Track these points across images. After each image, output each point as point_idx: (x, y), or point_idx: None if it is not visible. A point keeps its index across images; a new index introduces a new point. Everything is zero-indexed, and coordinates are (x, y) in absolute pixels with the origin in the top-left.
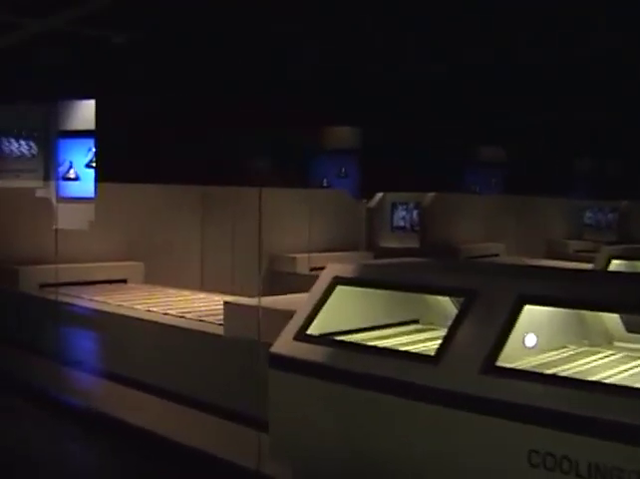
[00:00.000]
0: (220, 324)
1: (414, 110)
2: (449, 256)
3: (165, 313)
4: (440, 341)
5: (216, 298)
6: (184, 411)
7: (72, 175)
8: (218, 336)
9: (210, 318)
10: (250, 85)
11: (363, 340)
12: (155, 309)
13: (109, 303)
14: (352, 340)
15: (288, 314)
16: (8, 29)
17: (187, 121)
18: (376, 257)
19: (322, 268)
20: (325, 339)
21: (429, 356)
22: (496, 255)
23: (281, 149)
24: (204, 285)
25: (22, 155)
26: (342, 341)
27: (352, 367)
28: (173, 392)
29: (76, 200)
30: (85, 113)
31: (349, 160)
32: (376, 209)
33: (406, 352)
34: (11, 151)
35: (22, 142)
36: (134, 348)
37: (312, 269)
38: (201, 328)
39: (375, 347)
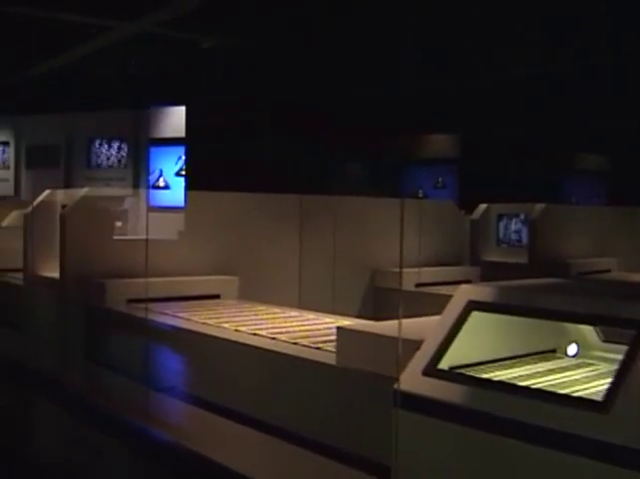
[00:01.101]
0: (317, 348)
1: (513, 117)
2: (558, 272)
3: (254, 333)
4: (600, 381)
5: (311, 316)
6: (286, 448)
7: (162, 183)
8: (328, 366)
9: (305, 341)
10: (344, 91)
11: (502, 376)
12: (243, 329)
13: (193, 321)
14: (488, 375)
15: (413, 344)
16: (95, 33)
17: (281, 127)
18: (482, 273)
19: (427, 284)
20: (462, 376)
21: (593, 401)
22: (608, 271)
23: (376, 157)
24: (302, 302)
25: (112, 163)
26: (483, 379)
27: (494, 411)
28: (274, 426)
29: (166, 209)
30: (174, 120)
31: (446, 170)
32: (480, 220)
33: (564, 396)
34: (101, 159)
35: (112, 150)
36: (220, 372)
37: (417, 285)
38: (307, 355)
39: (524, 388)
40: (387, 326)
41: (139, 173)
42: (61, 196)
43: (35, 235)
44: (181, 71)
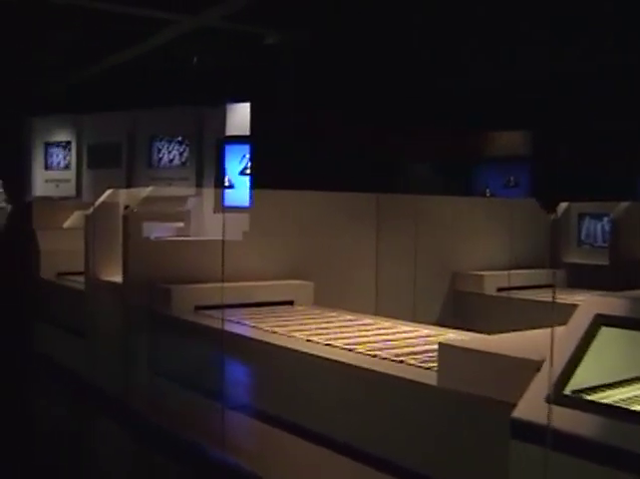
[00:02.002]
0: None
1: (592, 111)
2: None
3: (328, 344)
4: None
5: (386, 324)
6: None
7: (226, 182)
8: (427, 386)
9: (384, 353)
10: (414, 88)
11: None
12: (315, 339)
13: (261, 329)
14: (624, 402)
15: (531, 364)
16: (157, 27)
17: (350, 124)
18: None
19: (511, 289)
20: (597, 405)
21: None
22: None
23: (442, 154)
24: (379, 307)
25: (174, 162)
26: (624, 409)
27: (633, 447)
28: (360, 451)
29: (228, 209)
30: (238, 118)
31: (518, 168)
32: (560, 220)
33: None
34: (163, 158)
35: (174, 149)
36: (293, 386)
37: (499, 290)
38: (396, 372)
39: None
40: (495, 342)
41: (201, 172)
42: (123, 196)
43: (96, 236)
44: (246, 67)
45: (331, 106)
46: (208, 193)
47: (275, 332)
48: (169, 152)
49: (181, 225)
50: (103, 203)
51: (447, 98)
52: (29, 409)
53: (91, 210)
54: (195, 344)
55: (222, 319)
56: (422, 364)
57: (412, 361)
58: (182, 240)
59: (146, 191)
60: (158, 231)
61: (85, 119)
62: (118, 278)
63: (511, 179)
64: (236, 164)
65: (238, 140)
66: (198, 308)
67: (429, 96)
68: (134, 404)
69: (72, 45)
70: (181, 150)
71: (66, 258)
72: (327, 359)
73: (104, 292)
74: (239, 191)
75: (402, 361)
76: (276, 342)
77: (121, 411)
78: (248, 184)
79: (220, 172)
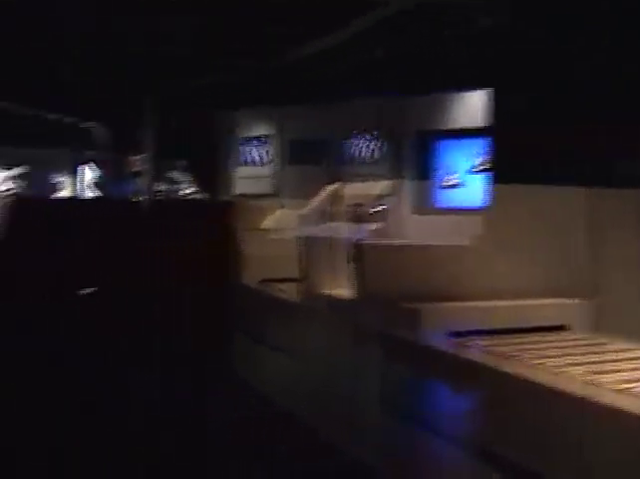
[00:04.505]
0: None
1: None
2: None
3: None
4: None
5: None
6: None
7: (451, 181)
8: None
9: None
10: None
11: None
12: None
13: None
14: None
15: None
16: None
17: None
18: None
19: None
20: None
21: None
22: None
23: None
24: None
25: (369, 158)
26: None
27: None
28: None
29: (450, 210)
30: (462, 109)
31: None
32: None
33: None
34: (362, 153)
35: (370, 144)
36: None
37: None
38: None
39: None
40: None
41: (400, 168)
42: (351, 191)
43: (310, 240)
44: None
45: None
46: (407, 190)
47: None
48: (365, 147)
49: (379, 225)
50: (323, 200)
51: None
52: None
53: (307, 209)
54: (459, 387)
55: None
56: None
57: None
58: (428, 247)
59: (377, 186)
60: (357, 232)
61: (286, 111)
62: (342, 292)
63: None
64: (463, 160)
65: (464, 133)
66: (453, 334)
67: None
68: (361, 454)
69: (271, 29)
70: (377, 145)
71: (270, 263)
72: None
73: (322, 308)
74: (467, 190)
75: None
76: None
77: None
78: (481, 181)
79: (428, 168)
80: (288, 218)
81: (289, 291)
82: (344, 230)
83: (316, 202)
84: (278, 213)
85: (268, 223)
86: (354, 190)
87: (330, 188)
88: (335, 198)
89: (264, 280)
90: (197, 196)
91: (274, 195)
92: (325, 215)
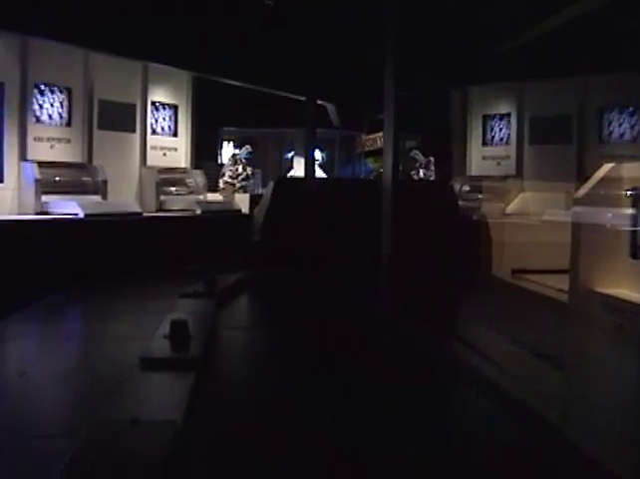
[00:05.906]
0: None
1: None
2: None
3: None
4: None
5: None
6: None
7: None
8: None
9: None
10: None
11: None
12: None
13: None
14: None
15: None
16: None
17: None
18: None
19: None
20: None
21: None
22: None
23: None
24: None
25: (625, 137)
26: None
27: None
28: None
29: None
30: None
31: None
32: None
33: None
34: (613, 132)
35: (625, 121)
36: None
37: None
38: None
39: None
40: None
41: None
42: (629, 172)
43: (585, 228)
44: None
45: None
46: None
47: None
48: (620, 125)
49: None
50: (599, 182)
51: None
52: None
53: (581, 192)
54: None
55: None
56: None
57: None
58: None
59: None
60: (610, 218)
61: (528, 87)
62: (622, 292)
63: None
64: None
65: None
66: None
67: None
68: None
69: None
70: (633, 122)
71: (521, 252)
72: None
73: (596, 313)
74: None
75: None
76: None
77: None
78: None
79: None
80: (536, 201)
81: (545, 285)
82: (624, 217)
83: (590, 184)
84: (521, 195)
85: (513, 206)
86: (635, 172)
87: (605, 168)
88: (612, 180)
89: (516, 271)
90: (435, 176)
91: (516, 176)
92: (601, 199)
